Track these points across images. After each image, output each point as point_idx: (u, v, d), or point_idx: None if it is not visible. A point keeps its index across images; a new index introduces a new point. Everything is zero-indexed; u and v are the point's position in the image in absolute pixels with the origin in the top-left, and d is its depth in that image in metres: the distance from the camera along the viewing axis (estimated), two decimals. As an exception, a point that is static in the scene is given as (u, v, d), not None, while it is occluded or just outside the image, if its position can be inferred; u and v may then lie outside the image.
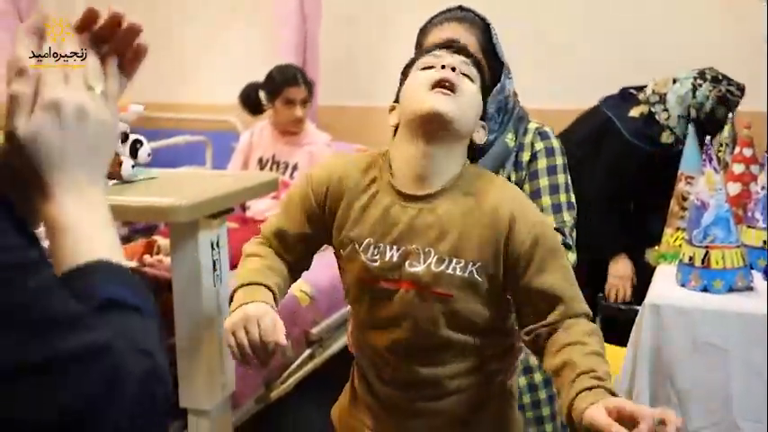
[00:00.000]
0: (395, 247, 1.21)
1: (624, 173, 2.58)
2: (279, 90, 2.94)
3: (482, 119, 1.28)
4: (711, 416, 1.63)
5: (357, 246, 1.23)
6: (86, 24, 0.75)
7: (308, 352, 2.41)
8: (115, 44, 0.76)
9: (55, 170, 0.67)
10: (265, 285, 1.23)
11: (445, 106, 1.18)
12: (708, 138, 1.80)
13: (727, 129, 2.19)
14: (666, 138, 2.57)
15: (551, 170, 1.50)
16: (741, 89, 2.55)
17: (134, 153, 1.74)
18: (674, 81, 2.58)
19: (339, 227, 1.26)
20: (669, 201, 2.35)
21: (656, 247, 2.04)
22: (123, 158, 1.73)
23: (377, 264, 1.21)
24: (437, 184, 1.22)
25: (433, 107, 1.18)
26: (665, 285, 1.77)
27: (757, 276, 1.75)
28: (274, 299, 1.23)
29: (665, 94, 2.57)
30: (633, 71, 2.81)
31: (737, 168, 1.97)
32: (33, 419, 0.57)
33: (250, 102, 3.05)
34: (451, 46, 1.27)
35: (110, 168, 1.78)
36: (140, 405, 0.61)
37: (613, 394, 1.05)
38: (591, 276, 2.90)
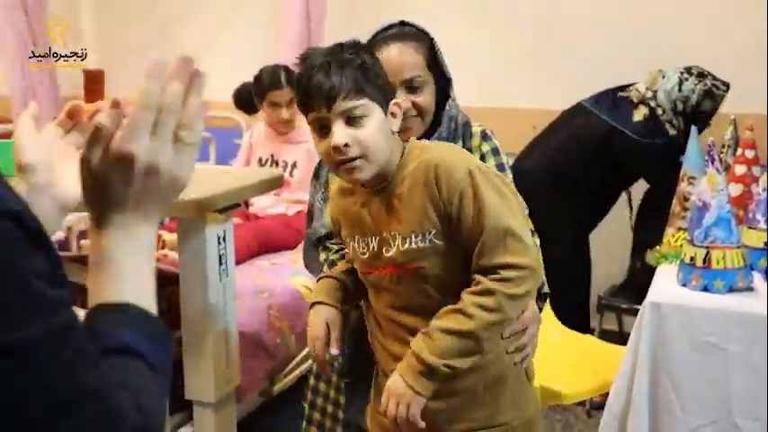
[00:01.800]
0: (374, 238, 1.32)
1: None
2: (263, 93, 2.96)
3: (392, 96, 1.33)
4: (711, 414, 1.64)
5: (352, 242, 1.36)
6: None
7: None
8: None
9: (114, 210, 0.70)
10: (330, 276, 1.45)
11: (363, 176, 1.27)
12: (710, 139, 1.81)
13: (729, 130, 2.20)
14: (671, 129, 2.69)
15: (500, 168, 1.57)
16: (726, 85, 2.67)
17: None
18: (663, 76, 2.71)
19: (338, 232, 1.41)
20: None
21: (657, 248, 2.06)
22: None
23: (366, 256, 1.34)
24: (390, 175, 1.30)
25: (353, 181, 1.30)
26: (665, 285, 1.78)
27: (758, 277, 1.76)
28: (340, 282, 1.44)
29: (656, 91, 2.69)
30: (634, 71, 2.83)
31: (739, 170, 1.99)
32: None
33: (242, 102, 3.07)
34: (327, 93, 1.23)
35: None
36: None
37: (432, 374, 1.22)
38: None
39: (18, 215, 0.57)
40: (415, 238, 1.26)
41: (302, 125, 3.07)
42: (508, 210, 1.25)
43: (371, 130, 1.24)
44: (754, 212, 1.85)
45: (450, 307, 1.24)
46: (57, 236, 2.94)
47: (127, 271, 0.71)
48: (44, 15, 3.61)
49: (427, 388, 1.23)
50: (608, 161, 2.73)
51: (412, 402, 1.24)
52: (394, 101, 1.31)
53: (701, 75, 2.67)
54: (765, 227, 1.81)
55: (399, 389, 1.24)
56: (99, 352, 0.64)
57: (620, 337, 2.97)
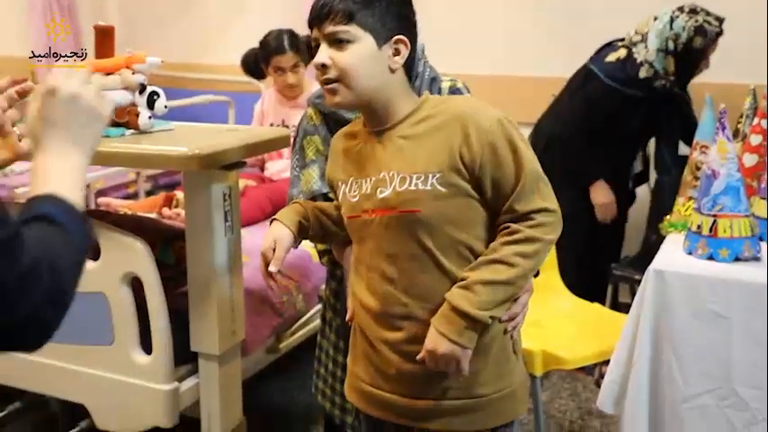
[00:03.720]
0: (369, 179, 1.30)
1: (603, 111, 2.69)
2: (268, 58, 2.94)
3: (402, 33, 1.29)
4: (711, 382, 1.64)
5: (344, 186, 1.35)
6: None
7: (318, 307, 2.45)
8: None
9: (48, 133, 0.90)
10: (298, 203, 1.48)
11: (338, 99, 1.28)
12: (722, 106, 1.78)
13: (748, 100, 2.16)
14: (645, 72, 2.64)
15: None
16: (720, 20, 2.61)
17: (151, 105, 1.77)
18: (654, 19, 2.67)
19: (333, 180, 1.39)
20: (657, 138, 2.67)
21: (668, 217, 2.04)
22: (140, 109, 1.77)
23: (356, 199, 1.32)
24: (396, 118, 1.30)
25: (332, 104, 1.31)
26: (671, 253, 1.77)
27: (766, 248, 1.74)
28: (304, 210, 1.45)
29: (646, 33, 2.65)
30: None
31: (755, 140, 1.95)
32: None
33: (249, 68, 3.07)
34: (319, 14, 1.26)
35: (127, 118, 1.83)
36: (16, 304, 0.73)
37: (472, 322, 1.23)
38: (607, 245, 2.93)
39: None
40: (417, 179, 1.25)
41: (311, 89, 3.06)
42: (534, 156, 1.27)
43: (352, 57, 1.25)
44: (767, 183, 1.82)
45: (484, 258, 1.24)
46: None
47: (53, 179, 0.86)
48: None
49: (473, 339, 1.24)
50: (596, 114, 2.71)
51: (462, 358, 1.24)
52: (398, 37, 1.28)
53: (693, 11, 2.62)
54: (777, 198, 1.79)
55: (444, 348, 1.23)
56: (20, 223, 0.78)
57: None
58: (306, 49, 2.99)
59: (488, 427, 1.34)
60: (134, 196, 3.34)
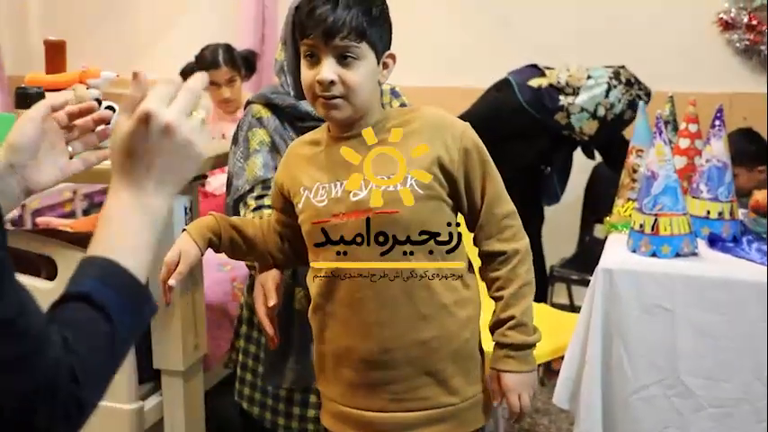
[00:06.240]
0: (339, 183, 1.28)
1: (504, 124, 2.71)
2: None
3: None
4: (658, 373, 1.72)
5: (307, 192, 1.31)
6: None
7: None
8: None
9: (126, 169, 0.74)
10: (213, 215, 1.42)
11: (339, 115, 1.26)
12: (658, 112, 1.90)
13: (667, 107, 2.29)
14: (561, 118, 2.71)
15: None
16: (648, 94, 2.71)
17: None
18: (589, 77, 2.72)
19: (293, 187, 1.34)
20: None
21: (608, 218, 2.14)
22: (96, 125, 1.74)
23: (324, 203, 1.29)
24: (367, 124, 1.30)
25: (327, 117, 1.28)
26: (616, 252, 1.85)
27: (701, 243, 1.86)
28: (217, 224, 1.41)
29: (578, 88, 2.71)
30: (592, 53, 2.92)
31: (683, 143, 2.08)
32: None
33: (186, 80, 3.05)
34: (328, 29, 1.21)
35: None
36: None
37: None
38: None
39: None
40: (396, 181, 1.26)
41: None
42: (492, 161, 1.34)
43: (360, 75, 1.24)
44: (697, 183, 1.95)
45: (511, 290, 1.33)
46: (12, 213, 2.90)
47: (122, 231, 0.73)
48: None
49: (535, 360, 1.36)
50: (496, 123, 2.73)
51: (534, 383, 1.35)
52: (389, 52, 1.30)
53: (629, 83, 2.70)
54: (708, 197, 1.91)
55: (520, 382, 1.33)
56: (59, 298, 0.67)
57: (571, 309, 3.08)
58: (244, 64, 3.00)
59: None
60: (71, 215, 3.25)
